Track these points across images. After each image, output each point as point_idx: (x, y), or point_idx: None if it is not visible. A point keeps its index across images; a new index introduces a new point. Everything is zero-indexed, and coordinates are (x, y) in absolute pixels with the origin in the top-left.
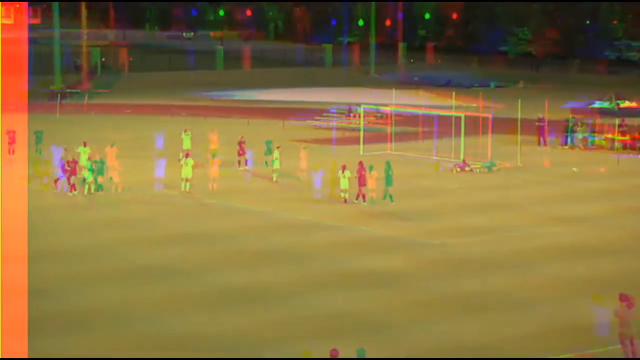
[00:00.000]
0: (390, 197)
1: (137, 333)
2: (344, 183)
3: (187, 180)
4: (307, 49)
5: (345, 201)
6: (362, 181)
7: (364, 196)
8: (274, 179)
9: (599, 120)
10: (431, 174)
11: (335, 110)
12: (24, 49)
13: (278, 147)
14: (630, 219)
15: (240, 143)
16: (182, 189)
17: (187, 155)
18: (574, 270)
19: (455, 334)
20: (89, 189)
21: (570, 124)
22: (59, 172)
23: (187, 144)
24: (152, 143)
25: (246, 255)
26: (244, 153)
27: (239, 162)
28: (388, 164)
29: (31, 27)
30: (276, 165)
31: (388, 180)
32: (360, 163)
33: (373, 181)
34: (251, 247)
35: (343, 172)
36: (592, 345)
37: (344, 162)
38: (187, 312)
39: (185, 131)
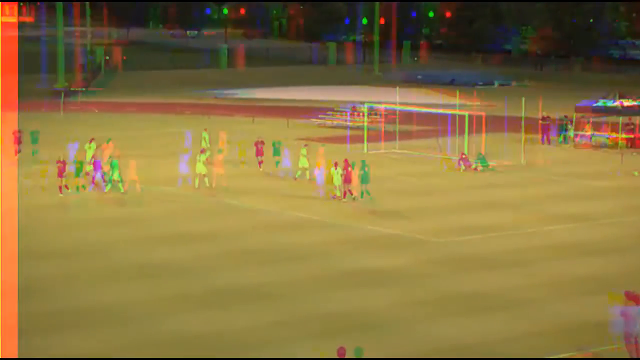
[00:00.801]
0: (368, 192)
1: (137, 332)
2: (337, 179)
3: (202, 176)
4: (312, 47)
5: (334, 197)
6: (347, 178)
7: (351, 192)
8: (307, 177)
9: (602, 119)
10: (433, 172)
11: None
12: (15, 46)
13: (305, 145)
14: (633, 217)
15: (256, 143)
16: (196, 185)
17: (202, 152)
18: (576, 269)
19: (456, 334)
20: (114, 186)
21: (564, 122)
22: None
23: (205, 142)
24: (155, 141)
25: (247, 254)
26: (261, 154)
27: (260, 163)
28: (363, 162)
29: (22, 26)
30: (304, 163)
31: (364, 177)
32: (346, 160)
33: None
34: (252, 246)
35: (336, 168)
36: (595, 343)
37: (339, 160)
38: (187, 311)
39: (205, 130)
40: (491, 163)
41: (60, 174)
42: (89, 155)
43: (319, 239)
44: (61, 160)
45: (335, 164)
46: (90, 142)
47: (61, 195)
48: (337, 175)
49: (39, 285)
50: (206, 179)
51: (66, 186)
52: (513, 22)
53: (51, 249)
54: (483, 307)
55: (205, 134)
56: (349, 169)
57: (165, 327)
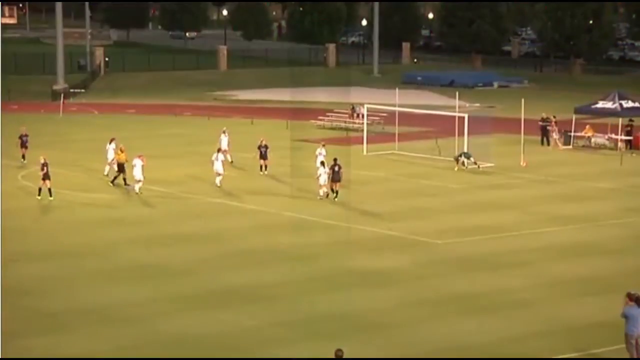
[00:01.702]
0: None
1: (137, 332)
2: (323, 179)
3: (218, 175)
4: (311, 48)
5: (325, 195)
6: (335, 177)
7: (333, 191)
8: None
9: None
10: (433, 173)
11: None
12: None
13: (324, 145)
14: (632, 218)
15: (260, 147)
16: (218, 184)
17: (218, 151)
18: (575, 270)
19: (455, 334)
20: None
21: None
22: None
23: (224, 143)
24: (155, 142)
25: (247, 254)
26: (266, 157)
27: (262, 167)
28: None
29: (4, 27)
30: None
31: None
32: (335, 160)
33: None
34: (252, 246)
35: (324, 167)
36: (594, 345)
37: (336, 162)
38: (187, 311)
39: (224, 132)
40: (490, 164)
41: (44, 177)
42: (111, 155)
43: (318, 240)
44: (44, 163)
45: (322, 163)
46: (111, 142)
47: (38, 197)
48: (324, 175)
49: (38, 286)
50: (220, 179)
51: (41, 189)
52: (512, 23)
53: (51, 250)
54: (483, 308)
55: (223, 136)
56: (336, 168)
57: (165, 327)
